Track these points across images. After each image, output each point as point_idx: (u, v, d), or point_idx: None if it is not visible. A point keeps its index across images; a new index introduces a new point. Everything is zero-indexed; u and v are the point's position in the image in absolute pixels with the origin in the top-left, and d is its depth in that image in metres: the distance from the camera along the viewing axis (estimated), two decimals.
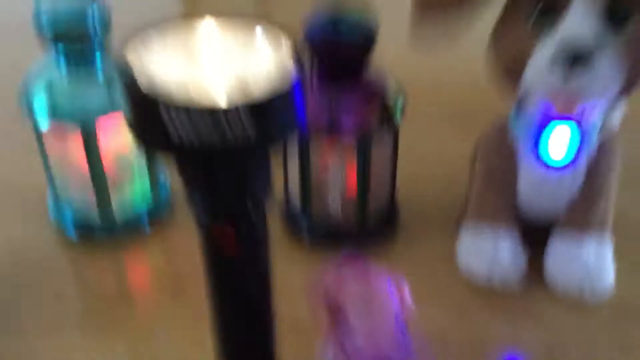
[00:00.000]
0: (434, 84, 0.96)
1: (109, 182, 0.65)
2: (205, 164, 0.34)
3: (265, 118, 0.31)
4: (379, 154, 0.62)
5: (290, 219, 0.68)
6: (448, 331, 0.58)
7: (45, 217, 0.70)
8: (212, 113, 0.30)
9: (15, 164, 0.79)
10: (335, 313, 0.46)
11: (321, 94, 0.61)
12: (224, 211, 0.36)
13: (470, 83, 0.98)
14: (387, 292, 0.46)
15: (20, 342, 0.57)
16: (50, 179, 0.66)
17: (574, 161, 0.58)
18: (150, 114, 0.30)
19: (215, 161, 0.33)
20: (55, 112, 0.61)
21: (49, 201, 0.69)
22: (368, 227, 0.66)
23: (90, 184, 0.64)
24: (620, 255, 0.62)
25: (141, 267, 0.67)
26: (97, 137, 0.62)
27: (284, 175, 0.67)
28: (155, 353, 0.56)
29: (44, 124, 0.62)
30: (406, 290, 0.47)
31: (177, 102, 0.30)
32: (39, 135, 0.63)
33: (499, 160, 0.62)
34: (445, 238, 0.67)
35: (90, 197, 0.65)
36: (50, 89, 0.61)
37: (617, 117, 0.60)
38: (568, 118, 0.56)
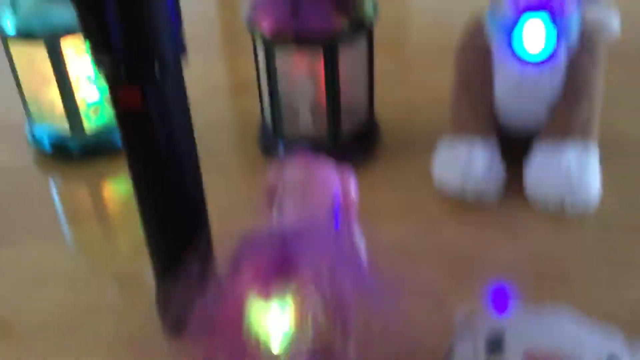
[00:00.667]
0: (436, 21, 0.92)
1: (79, 100, 0.64)
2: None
3: None
4: (350, 62, 0.60)
5: (265, 140, 0.66)
6: (414, 244, 0.55)
7: (22, 137, 0.70)
8: None
9: None
10: (273, 199, 0.44)
11: None
12: (127, 69, 0.35)
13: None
14: (328, 182, 0.44)
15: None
16: (23, 99, 0.66)
17: (552, 56, 0.54)
18: None
19: None
20: (21, 28, 0.60)
21: (26, 123, 0.69)
22: (343, 144, 0.63)
23: (60, 103, 0.64)
24: (611, 170, 0.58)
25: (114, 179, 0.67)
26: (64, 55, 0.62)
27: (259, 96, 0.65)
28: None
29: (11, 41, 0.62)
30: (351, 182, 0.45)
31: None
32: (8, 53, 0.63)
33: (473, 63, 0.58)
34: (427, 159, 0.64)
35: (63, 115, 0.65)
36: (16, 5, 0.61)
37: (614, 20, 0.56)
38: (541, 8, 0.52)
